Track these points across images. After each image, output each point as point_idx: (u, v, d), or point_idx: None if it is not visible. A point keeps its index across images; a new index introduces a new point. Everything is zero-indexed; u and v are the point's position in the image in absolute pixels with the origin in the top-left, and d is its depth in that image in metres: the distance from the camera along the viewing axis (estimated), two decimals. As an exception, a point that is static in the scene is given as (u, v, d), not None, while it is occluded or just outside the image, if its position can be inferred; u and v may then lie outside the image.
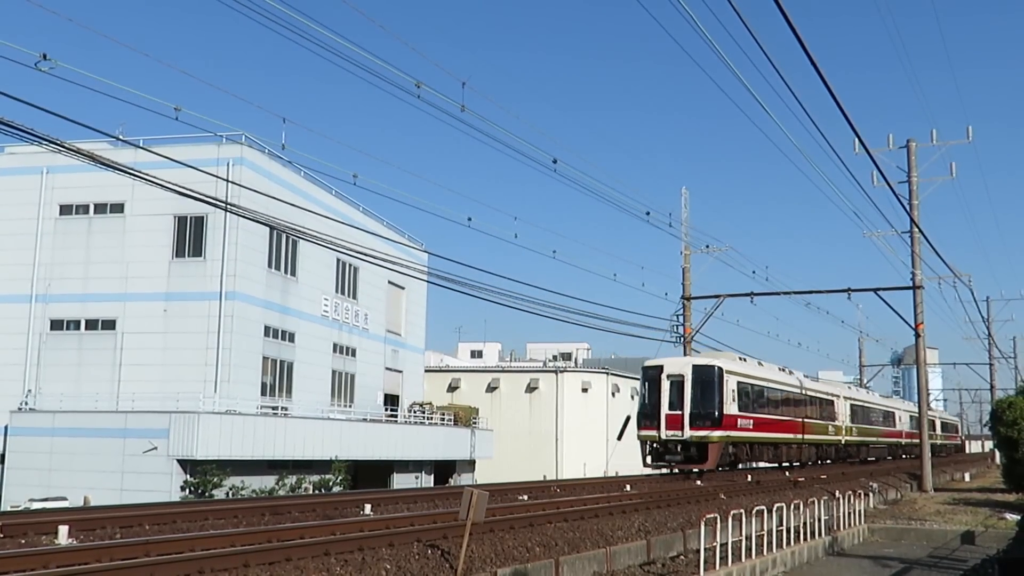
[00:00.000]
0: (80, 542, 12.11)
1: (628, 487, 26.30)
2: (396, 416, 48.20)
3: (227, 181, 30.06)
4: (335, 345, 45.21)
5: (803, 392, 39.14)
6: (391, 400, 50.94)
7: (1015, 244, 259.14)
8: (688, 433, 29.54)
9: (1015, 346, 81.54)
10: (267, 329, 39.28)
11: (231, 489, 33.37)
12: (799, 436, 37.98)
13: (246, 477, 34.49)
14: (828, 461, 43.00)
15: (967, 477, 48.42)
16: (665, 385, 30.49)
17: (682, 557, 17.22)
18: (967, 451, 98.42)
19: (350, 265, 45.75)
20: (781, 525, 18.73)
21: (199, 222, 37.74)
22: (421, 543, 13.07)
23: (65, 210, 39.44)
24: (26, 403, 36.75)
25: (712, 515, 15.53)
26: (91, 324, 38.43)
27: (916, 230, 35.75)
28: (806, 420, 38.91)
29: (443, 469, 51.45)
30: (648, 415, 30.67)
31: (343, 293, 46.11)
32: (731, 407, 30.55)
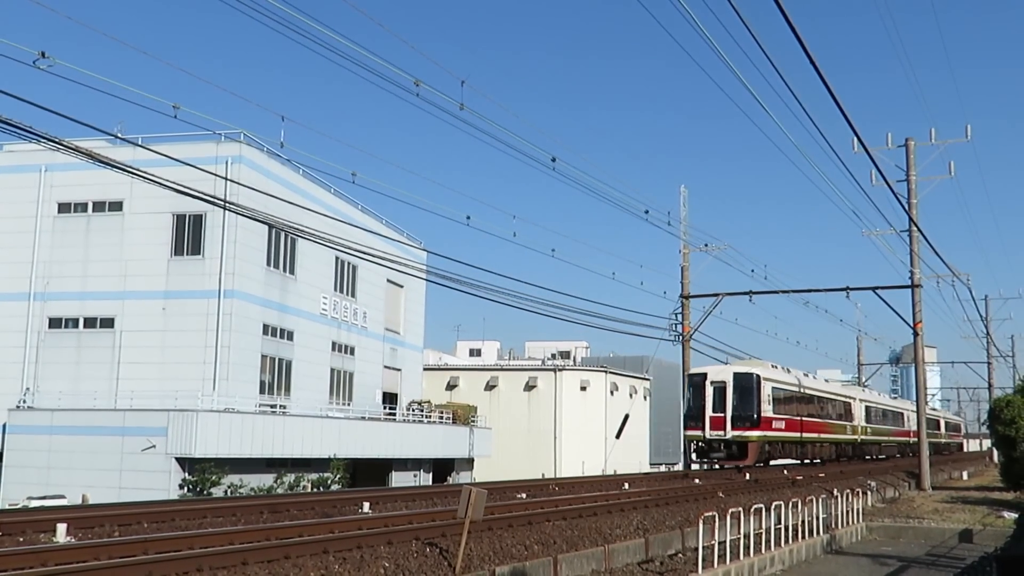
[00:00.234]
0: (78, 540, 12.11)
1: (626, 485, 26.34)
2: (395, 414, 48.19)
3: (226, 179, 30.05)
4: (334, 343, 45.21)
5: (825, 395, 42.76)
6: (390, 398, 50.94)
7: (1014, 243, 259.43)
8: (730, 433, 33.57)
9: (1013, 345, 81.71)
10: (266, 327, 39.26)
11: (229, 487, 33.37)
12: (822, 435, 41.68)
13: (244, 475, 34.49)
14: (845, 458, 46.40)
15: (965, 475, 48.46)
16: (709, 391, 34.22)
17: (680, 555, 17.22)
18: (965, 449, 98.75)
19: (349, 263, 45.74)
20: (779, 523, 18.75)
21: (198, 220, 37.73)
22: (419, 541, 13.08)
23: (64, 208, 39.42)
24: (24, 401, 36.74)
25: (710, 513, 15.54)
26: (90, 322, 38.41)
27: (915, 229, 35.76)
28: (828, 421, 42.64)
29: (441, 467, 51.46)
30: (693, 417, 34.54)
31: (342, 291, 46.10)
32: (767, 410, 34.40)
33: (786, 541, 18.75)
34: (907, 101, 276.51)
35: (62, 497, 29.71)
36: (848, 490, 23.79)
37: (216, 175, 27.56)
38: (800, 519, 19.95)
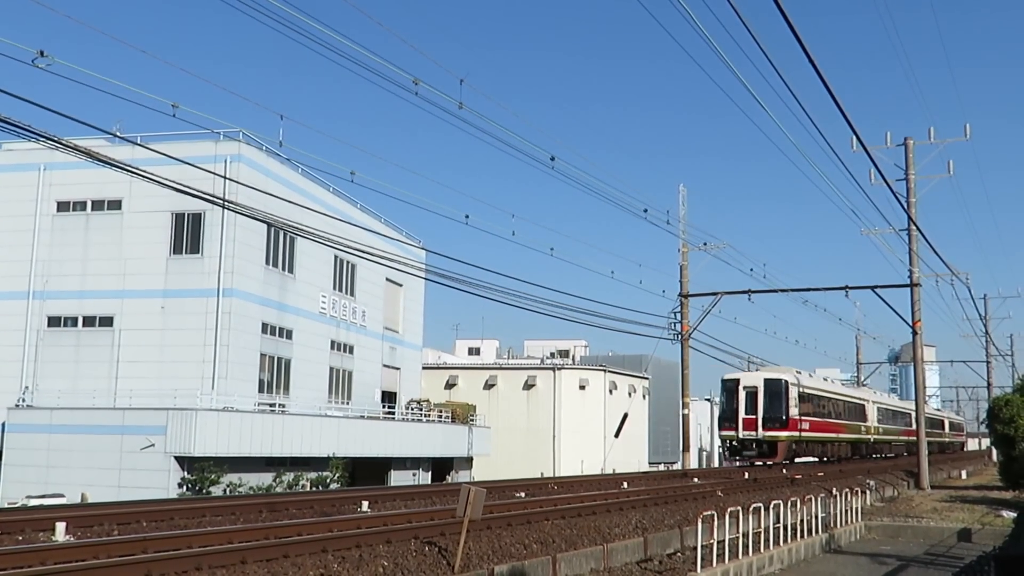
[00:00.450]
0: (77, 539, 12.12)
1: (625, 484, 26.34)
2: (393, 413, 48.19)
3: (225, 178, 30.04)
4: (333, 342, 45.20)
5: (843, 398, 46.03)
6: (389, 397, 50.94)
7: (1013, 242, 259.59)
8: (762, 433, 37.05)
9: (1012, 344, 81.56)
10: (265, 326, 39.25)
11: (228, 486, 33.37)
12: (840, 435, 45.10)
13: (243, 474, 34.49)
14: (859, 456, 49.39)
15: (964, 475, 48.48)
16: (741, 395, 37.66)
17: (679, 554, 17.23)
18: (964, 448, 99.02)
19: (348, 262, 45.73)
20: (778, 522, 18.75)
21: (197, 219, 37.71)
22: (418, 540, 13.09)
23: (63, 207, 39.40)
24: (24, 400, 36.73)
25: (709, 512, 15.54)
26: (88, 321, 38.40)
27: (914, 228, 35.76)
28: (846, 422, 45.95)
29: (440, 466, 51.47)
30: (728, 418, 38.16)
31: (341, 290, 46.09)
32: (794, 412, 37.76)
33: (785, 540, 18.75)
34: (906, 100, 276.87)
35: (61, 496, 29.69)
36: (847, 489, 23.78)
37: (215, 174, 27.53)
38: (799, 518, 19.96)
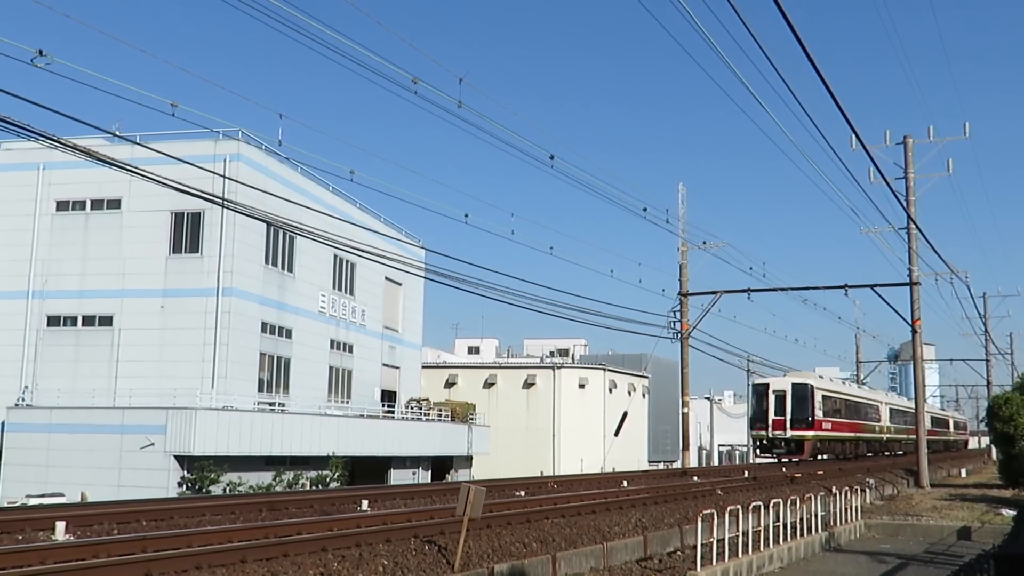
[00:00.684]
0: (77, 538, 12.12)
1: (625, 483, 26.35)
2: (393, 412, 48.21)
3: (224, 177, 30.04)
4: (332, 341, 45.20)
5: (860, 400, 49.21)
6: (388, 396, 50.94)
7: (1012, 240, 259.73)
8: (790, 433, 40.21)
9: (1012, 342, 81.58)
10: (264, 325, 39.25)
11: (228, 485, 33.37)
12: (858, 435, 48.29)
13: (243, 473, 34.49)
14: (874, 454, 52.47)
15: (963, 473, 48.52)
16: (771, 398, 40.83)
17: (679, 553, 17.23)
18: (967, 447, 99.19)
19: (347, 261, 45.73)
20: (778, 521, 18.75)
21: (196, 218, 37.71)
22: (418, 539, 13.09)
23: (62, 206, 39.39)
24: (23, 399, 36.72)
25: (709, 511, 15.55)
26: (88, 320, 38.40)
27: (913, 226, 35.76)
28: (863, 422, 49.20)
29: (440, 465, 51.48)
30: (759, 419, 41.40)
31: (340, 289, 46.09)
32: (819, 413, 40.98)
33: (785, 539, 18.75)
34: (905, 99, 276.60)
35: (61, 495, 29.70)
36: (847, 488, 23.79)
37: (215, 173, 27.53)
38: (799, 517, 19.96)
